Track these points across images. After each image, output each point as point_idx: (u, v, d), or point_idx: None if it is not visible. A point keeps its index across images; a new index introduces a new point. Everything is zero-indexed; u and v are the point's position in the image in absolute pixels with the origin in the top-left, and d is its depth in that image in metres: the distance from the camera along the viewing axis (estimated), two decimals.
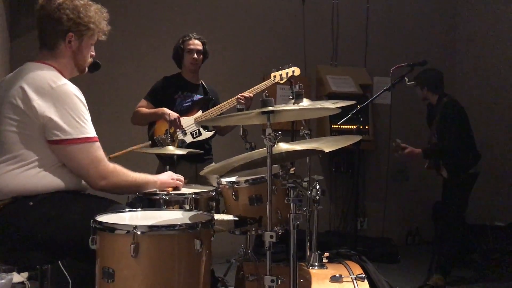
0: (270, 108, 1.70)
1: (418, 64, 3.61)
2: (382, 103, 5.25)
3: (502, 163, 4.94)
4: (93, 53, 2.12)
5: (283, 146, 1.96)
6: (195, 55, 3.47)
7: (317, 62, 5.27)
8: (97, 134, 1.96)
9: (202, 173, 2.20)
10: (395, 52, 5.32)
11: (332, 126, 4.89)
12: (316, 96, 5.21)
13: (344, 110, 3.38)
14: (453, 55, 5.69)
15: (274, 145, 1.72)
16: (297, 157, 2.08)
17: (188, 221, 1.80)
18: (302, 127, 2.56)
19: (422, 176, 5.49)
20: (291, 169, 2.02)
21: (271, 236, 1.68)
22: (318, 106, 2.09)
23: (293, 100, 2.54)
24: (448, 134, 3.76)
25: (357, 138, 1.97)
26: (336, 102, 2.45)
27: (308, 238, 2.47)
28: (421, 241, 5.32)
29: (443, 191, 4.05)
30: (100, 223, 1.71)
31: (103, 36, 2.10)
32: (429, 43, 5.56)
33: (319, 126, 5.16)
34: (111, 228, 1.68)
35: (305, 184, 2.07)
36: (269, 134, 1.69)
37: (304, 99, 2.54)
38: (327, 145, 1.88)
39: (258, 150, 2.27)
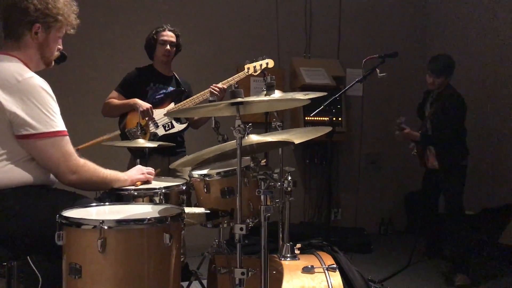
0: (239, 100, 1.68)
1: (389, 56, 3.63)
2: (355, 95, 5.30)
3: (472, 154, 5.03)
4: (60, 47, 2.07)
5: (254, 138, 1.96)
6: (168, 47, 3.43)
7: (291, 54, 5.27)
8: (67, 127, 1.93)
9: (172, 166, 2.17)
10: (368, 44, 5.36)
11: (306, 118, 4.89)
12: (290, 88, 5.22)
13: (318, 102, 3.42)
14: (424, 47, 5.76)
15: (243, 137, 1.71)
16: (268, 148, 2.07)
17: (157, 215, 1.77)
18: (274, 119, 2.56)
19: (395, 166, 5.57)
20: (262, 161, 2.01)
21: (241, 229, 1.67)
22: (288, 97, 2.07)
23: (265, 92, 2.54)
24: (450, 124, 3.73)
25: (326, 130, 1.97)
26: (307, 94, 2.45)
27: (280, 229, 2.48)
28: (393, 231, 5.40)
29: (425, 182, 4.08)
30: (66, 218, 1.67)
31: (71, 30, 2.06)
32: (400, 34, 5.61)
33: (293, 118, 5.18)
34: (77, 223, 1.64)
35: (276, 175, 2.06)
36: (239, 125, 1.68)
37: (276, 91, 2.54)
38: (297, 136, 1.88)
39: (230, 142, 2.26)
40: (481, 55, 5.11)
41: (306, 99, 1.74)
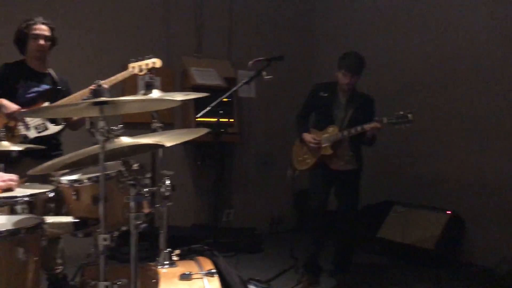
0: (102, 99, 1.57)
1: (275, 59, 3.65)
2: (248, 96, 5.35)
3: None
4: None
5: (125, 140, 1.84)
6: (41, 41, 3.16)
7: (181, 54, 5.18)
8: None
9: (30, 172, 1.98)
10: (259, 45, 5.44)
11: (197, 119, 4.80)
12: (181, 88, 5.11)
13: (210, 102, 3.37)
14: (312, 49, 5.96)
15: (107, 140, 1.59)
16: (141, 151, 1.96)
17: (10, 227, 1.59)
18: (154, 120, 2.47)
19: (285, 166, 5.69)
20: (134, 165, 1.90)
21: (105, 239, 1.55)
22: (160, 97, 1.99)
23: (143, 91, 2.44)
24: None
25: (203, 131, 1.92)
26: (188, 94, 2.39)
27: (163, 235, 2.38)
28: (283, 229, 5.52)
29: (318, 183, 3.84)
30: None
31: None
32: (290, 36, 5.76)
33: (184, 119, 5.09)
34: None
35: (148, 180, 1.96)
36: (102, 127, 1.55)
37: (155, 90, 2.44)
38: (172, 139, 1.81)
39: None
40: (368, 59, 5.38)
41: (177, 100, 1.67)
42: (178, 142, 1.77)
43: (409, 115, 3.41)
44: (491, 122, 4.25)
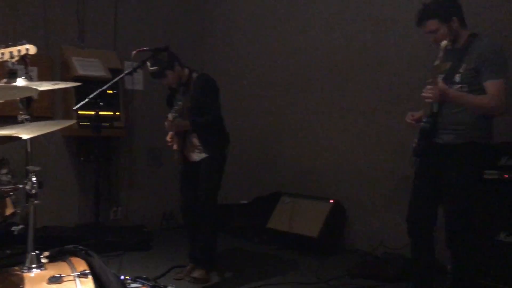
0: None
1: (160, 50, 3.54)
2: (136, 89, 5.16)
3: (247, 147, 5.36)
4: None
5: None
6: None
7: (62, 42, 4.84)
8: None
9: None
10: (146, 36, 5.26)
11: (79, 112, 4.52)
12: (61, 78, 4.78)
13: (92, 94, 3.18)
14: (201, 42, 5.91)
15: None
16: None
17: None
18: (20, 112, 2.27)
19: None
20: None
21: None
22: (25, 86, 1.82)
23: (5, 80, 2.24)
24: (211, 105, 3.57)
25: (68, 123, 1.79)
26: (57, 83, 2.23)
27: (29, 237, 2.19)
28: (175, 225, 5.43)
29: (191, 174, 3.75)
30: None
31: None
32: (179, 29, 5.64)
33: (66, 111, 4.78)
34: None
35: (8, 176, 1.78)
36: None
37: (19, 79, 2.25)
38: (30, 131, 1.65)
39: None
40: (256, 53, 5.46)
41: (35, 89, 1.53)
42: (37, 134, 1.62)
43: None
44: (367, 118, 4.52)
